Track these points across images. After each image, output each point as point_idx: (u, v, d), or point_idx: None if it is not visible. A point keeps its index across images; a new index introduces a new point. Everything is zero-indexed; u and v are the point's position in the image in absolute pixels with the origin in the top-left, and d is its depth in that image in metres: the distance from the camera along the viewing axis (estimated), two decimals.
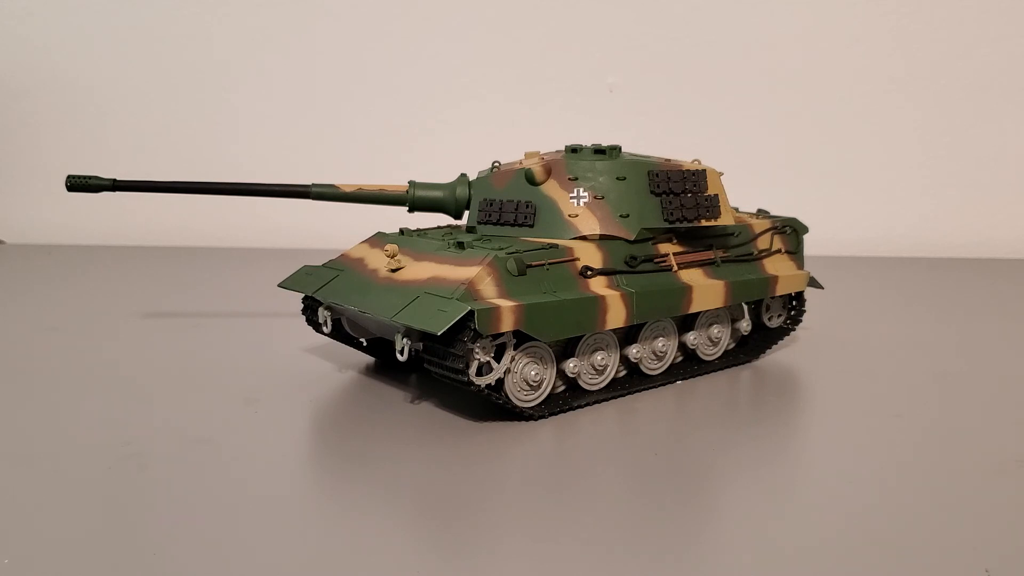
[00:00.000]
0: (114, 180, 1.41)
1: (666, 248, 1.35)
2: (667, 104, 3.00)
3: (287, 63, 3.01)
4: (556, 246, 1.24)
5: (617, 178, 1.32)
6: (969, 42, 2.96)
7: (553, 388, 1.26)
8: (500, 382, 1.17)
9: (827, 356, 1.60)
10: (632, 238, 1.30)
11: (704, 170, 1.39)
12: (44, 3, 2.97)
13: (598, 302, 1.21)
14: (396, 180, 1.53)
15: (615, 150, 1.37)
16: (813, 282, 1.58)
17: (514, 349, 1.17)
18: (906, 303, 2.18)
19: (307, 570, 0.82)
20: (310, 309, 1.41)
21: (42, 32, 2.98)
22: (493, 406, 1.21)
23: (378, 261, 1.28)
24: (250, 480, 1.02)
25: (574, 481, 1.03)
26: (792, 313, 1.61)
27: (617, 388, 1.33)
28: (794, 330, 1.62)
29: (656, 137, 2.74)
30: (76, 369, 1.47)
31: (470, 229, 1.40)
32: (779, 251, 1.53)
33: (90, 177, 1.40)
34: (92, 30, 2.98)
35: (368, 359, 1.52)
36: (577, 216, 1.30)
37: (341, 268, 1.34)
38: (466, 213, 1.45)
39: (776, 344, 1.60)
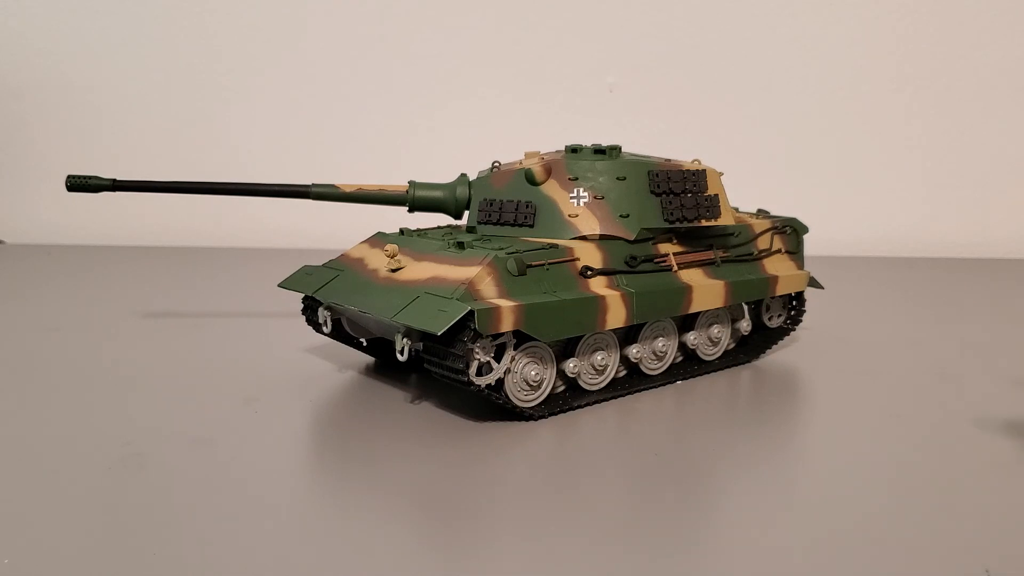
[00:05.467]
0: (114, 180, 1.41)
1: (666, 248, 1.35)
2: (667, 104, 3.00)
3: (287, 63, 3.01)
4: (556, 246, 1.24)
5: (617, 178, 1.32)
6: (969, 42, 2.96)
7: (553, 388, 1.26)
8: (500, 382, 1.17)
9: (827, 356, 1.60)
10: (632, 238, 1.30)
11: (704, 170, 1.39)
12: (44, 3, 2.96)
13: (598, 302, 1.21)
14: (395, 180, 1.52)
15: (615, 150, 1.37)
16: (813, 282, 1.58)
17: (514, 349, 1.17)
18: (906, 303, 2.18)
19: (307, 570, 0.82)
20: (310, 309, 1.41)
21: (42, 32, 2.98)
22: (493, 406, 1.21)
23: (378, 261, 1.28)
24: (250, 480, 1.02)
25: (574, 481, 1.03)
26: (792, 313, 1.61)
27: (617, 388, 1.33)
28: (794, 330, 1.62)
29: (656, 137, 2.74)
30: (76, 369, 1.47)
31: (470, 229, 1.40)
32: (779, 251, 1.53)
33: (90, 177, 1.40)
34: (92, 30, 2.98)
35: (368, 359, 1.52)
36: (577, 216, 1.30)
37: (341, 268, 1.34)
38: (466, 213, 1.45)
39: (776, 344, 1.60)
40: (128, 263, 2.59)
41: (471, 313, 1.06)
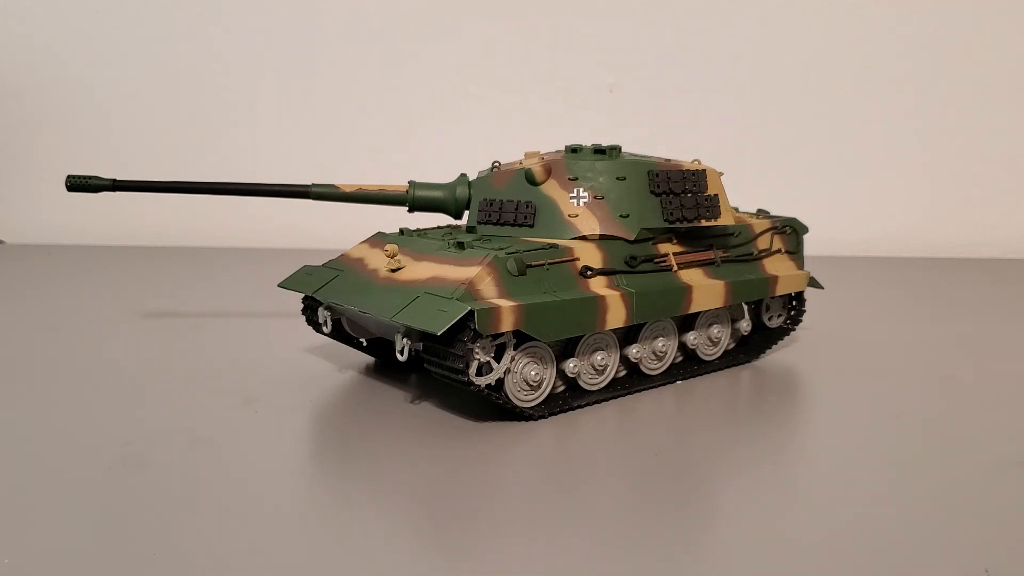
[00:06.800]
0: (114, 180, 1.41)
1: (666, 248, 1.35)
2: (667, 104, 3.00)
3: (287, 62, 3.01)
4: (556, 246, 1.24)
5: (617, 178, 1.32)
6: (969, 42, 2.96)
7: (553, 388, 1.26)
8: (500, 382, 1.17)
9: (827, 356, 1.60)
10: (632, 238, 1.30)
11: (704, 170, 1.39)
12: (44, 3, 2.96)
13: (598, 302, 1.21)
14: (396, 180, 1.52)
15: (615, 150, 1.37)
16: (813, 282, 1.58)
17: (514, 349, 1.17)
18: (906, 303, 2.18)
19: (307, 570, 0.82)
20: (310, 309, 1.41)
21: (42, 32, 2.98)
22: (493, 406, 1.21)
23: (378, 261, 1.28)
24: (250, 480, 1.02)
25: (574, 481, 1.03)
26: (792, 313, 1.60)
27: (617, 388, 1.33)
28: (794, 330, 1.62)
29: (656, 137, 2.74)
30: (76, 369, 1.47)
31: (470, 229, 1.40)
32: (779, 251, 1.53)
33: (90, 177, 1.40)
34: (92, 30, 2.98)
35: (368, 359, 1.52)
36: (577, 216, 1.30)
37: (341, 268, 1.34)
38: (466, 213, 1.45)
39: (776, 344, 1.60)
40: (128, 263, 2.59)
41: (471, 313, 1.06)
